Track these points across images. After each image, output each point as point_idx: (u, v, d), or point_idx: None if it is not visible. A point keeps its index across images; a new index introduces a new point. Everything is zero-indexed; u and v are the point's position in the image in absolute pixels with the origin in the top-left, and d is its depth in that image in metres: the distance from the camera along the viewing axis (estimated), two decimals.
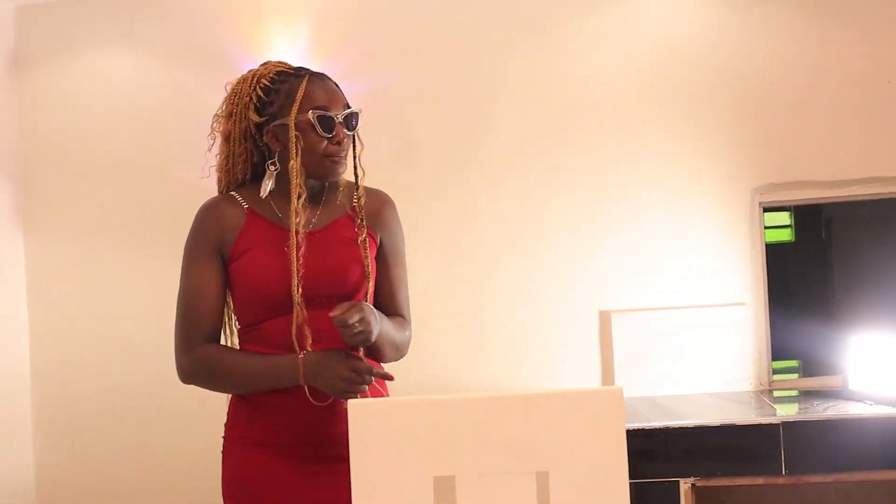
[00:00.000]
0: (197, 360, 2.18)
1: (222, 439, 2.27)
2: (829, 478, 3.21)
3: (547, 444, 1.76)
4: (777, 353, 4.27)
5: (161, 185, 3.94)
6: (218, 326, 2.22)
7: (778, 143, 3.78)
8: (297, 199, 2.13)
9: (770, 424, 3.17)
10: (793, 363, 4.84)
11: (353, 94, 3.67)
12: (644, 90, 3.80)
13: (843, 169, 3.77)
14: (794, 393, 3.74)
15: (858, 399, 3.40)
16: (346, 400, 1.86)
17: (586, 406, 1.81)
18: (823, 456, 3.18)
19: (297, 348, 2.12)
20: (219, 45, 3.83)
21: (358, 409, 1.78)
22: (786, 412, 3.30)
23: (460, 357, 3.80)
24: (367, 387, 2.10)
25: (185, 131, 3.71)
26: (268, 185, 2.18)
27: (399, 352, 2.33)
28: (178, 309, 2.22)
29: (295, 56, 3.67)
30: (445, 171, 3.83)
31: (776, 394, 3.75)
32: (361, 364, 2.10)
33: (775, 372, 3.94)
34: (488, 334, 3.81)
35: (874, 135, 3.75)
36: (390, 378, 2.19)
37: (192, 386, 2.24)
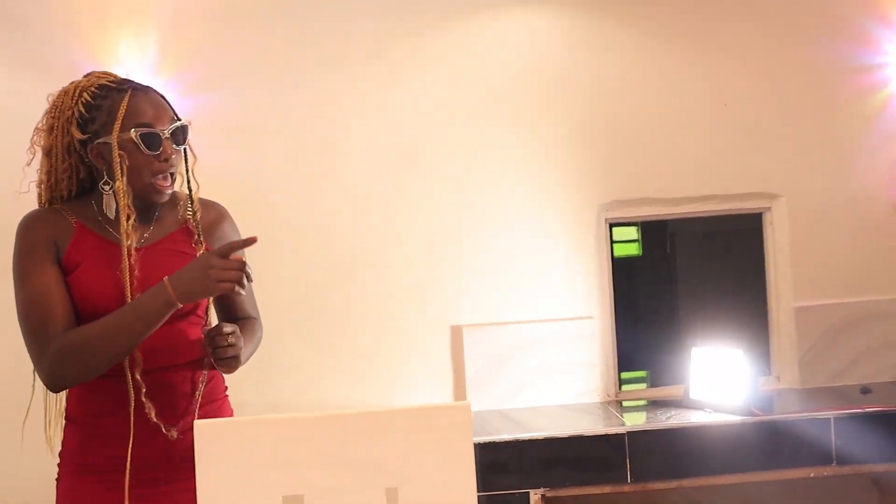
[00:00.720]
0: (57, 347, 2.02)
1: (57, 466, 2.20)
2: (673, 484, 3.33)
3: (396, 460, 1.77)
4: (626, 364, 4.41)
5: None
6: (74, 325, 2.07)
7: (623, 162, 3.89)
8: (126, 221, 2.07)
9: (616, 434, 3.28)
10: (641, 374, 5.00)
11: (204, 107, 3.66)
12: (494, 107, 3.85)
13: (684, 187, 3.92)
14: (642, 403, 3.85)
15: (699, 407, 3.54)
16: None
17: (434, 422, 1.82)
18: (667, 463, 3.31)
19: (129, 371, 2.07)
20: (62, 55, 3.70)
21: (204, 430, 1.75)
22: (631, 422, 3.41)
23: (311, 373, 3.77)
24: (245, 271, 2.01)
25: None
26: (112, 207, 2.11)
27: (252, 356, 2.32)
28: (25, 321, 2.08)
29: (143, 67, 3.59)
30: (298, 184, 3.80)
31: (625, 404, 3.85)
32: (223, 249, 2.02)
33: (624, 383, 4.06)
34: (340, 350, 3.79)
35: (713, 154, 3.91)
36: (253, 240, 2.08)
37: (33, 412, 2.16)
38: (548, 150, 3.87)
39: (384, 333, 3.81)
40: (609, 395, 3.91)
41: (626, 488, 3.29)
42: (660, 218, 4.06)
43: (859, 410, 3.37)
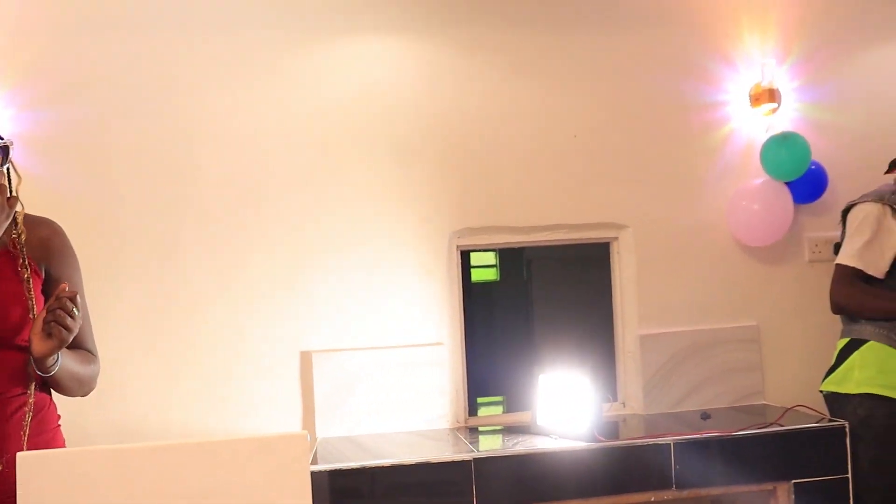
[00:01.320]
0: None
1: None
2: None
3: (231, 491, 1.73)
4: (483, 389, 4.43)
5: None
6: None
7: (475, 190, 3.94)
8: None
9: (463, 461, 3.28)
10: (498, 398, 5.04)
11: (47, 123, 3.54)
12: (347, 133, 3.85)
13: (534, 216, 3.98)
14: (498, 428, 3.88)
15: (545, 434, 3.59)
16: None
17: (270, 451, 1.80)
18: (513, 489, 3.33)
19: None
20: None
21: (27, 463, 1.68)
22: (484, 448, 3.43)
23: (159, 400, 3.67)
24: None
25: None
26: None
27: (84, 386, 2.23)
28: None
29: None
30: (145, 204, 3.71)
31: (481, 429, 3.88)
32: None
33: (481, 407, 4.09)
34: (189, 376, 3.70)
35: (562, 184, 4.00)
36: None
37: None
38: (400, 178, 3.88)
39: (234, 359, 3.74)
40: (459, 422, 3.93)
41: None
42: (511, 246, 4.10)
43: (698, 436, 3.46)
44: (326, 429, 3.73)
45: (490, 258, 8.17)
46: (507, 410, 4.25)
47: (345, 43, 3.86)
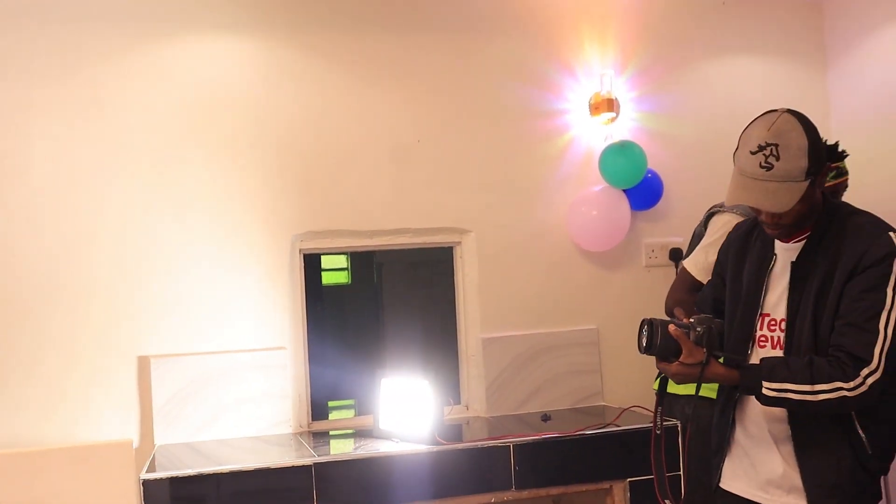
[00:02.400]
0: None
1: None
2: None
3: (55, 501, 1.68)
4: (335, 392, 4.41)
5: None
6: None
7: (319, 193, 3.92)
8: None
9: (303, 466, 3.25)
10: (349, 402, 5.03)
11: None
12: (187, 136, 3.78)
13: (378, 219, 3.99)
14: (349, 432, 3.88)
15: (387, 437, 3.59)
16: None
17: (95, 460, 1.75)
18: (354, 493, 3.32)
19: None
20: None
21: None
22: (322, 453, 3.40)
23: None
24: None
25: None
26: None
27: None
28: None
29: None
30: None
31: (332, 433, 3.87)
32: None
33: (334, 411, 4.05)
34: (24, 384, 3.54)
35: (406, 189, 4.02)
36: None
37: None
38: (241, 180, 3.83)
39: (70, 365, 3.61)
40: (302, 426, 3.89)
41: None
42: (355, 250, 4.09)
43: (537, 437, 3.52)
44: (165, 436, 3.64)
45: (342, 261, 8.17)
46: (360, 413, 4.24)
47: (183, 41, 3.79)
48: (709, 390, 2.92)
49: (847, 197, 4.40)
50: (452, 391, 4.16)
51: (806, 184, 2.44)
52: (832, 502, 2.50)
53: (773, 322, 2.60)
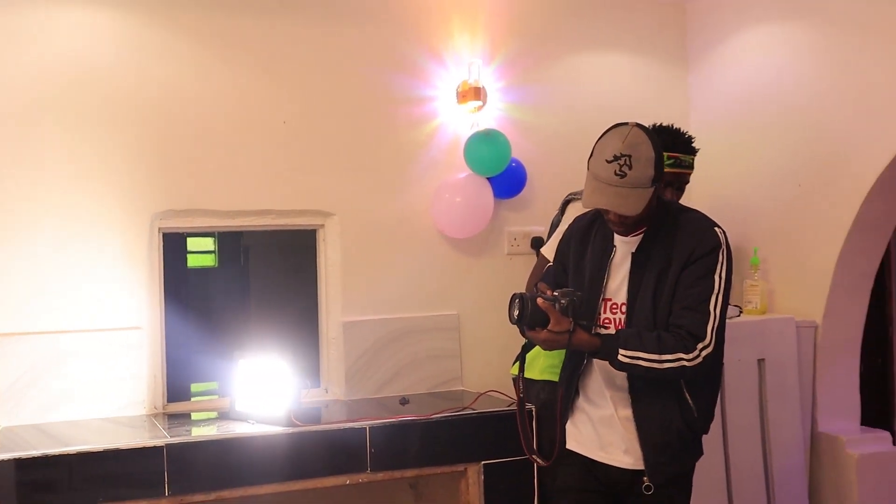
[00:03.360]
0: None
1: None
2: (212, 496, 3.32)
3: None
4: (197, 375, 4.34)
5: None
6: None
7: (180, 172, 3.85)
8: None
9: (154, 448, 3.21)
10: (213, 385, 4.96)
11: None
12: (42, 110, 3.65)
13: (241, 200, 3.95)
14: (212, 415, 3.81)
15: (243, 419, 3.57)
16: None
17: None
18: (207, 475, 3.29)
19: None
20: None
21: None
22: (174, 434, 3.36)
23: None
24: None
25: None
26: None
27: None
28: None
29: None
30: None
31: (194, 416, 3.82)
32: None
33: (196, 394, 4.00)
34: None
35: (270, 170, 3.99)
36: None
37: None
38: (101, 156, 3.73)
39: None
40: (157, 408, 3.83)
41: (164, 502, 3.23)
42: (216, 230, 4.04)
43: (394, 420, 3.56)
44: (11, 417, 3.53)
45: (209, 244, 8.05)
46: (223, 396, 4.18)
47: (42, 12, 3.66)
48: (551, 374, 3.32)
49: (702, 190, 4.60)
50: (313, 374, 4.15)
51: (651, 190, 2.80)
52: (664, 458, 2.87)
53: (614, 305, 2.93)
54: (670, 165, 3.54)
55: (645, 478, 2.87)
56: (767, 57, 4.31)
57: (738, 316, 4.06)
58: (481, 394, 3.88)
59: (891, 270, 5.06)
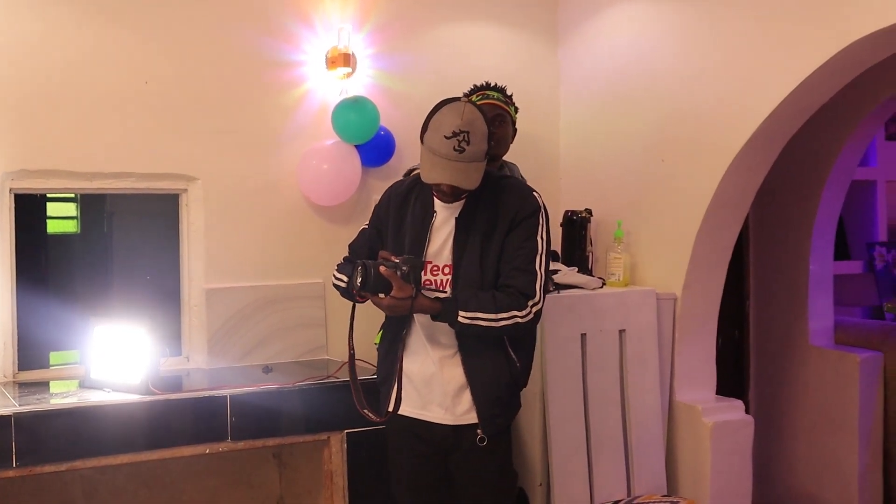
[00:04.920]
0: None
1: None
2: (64, 466, 3.22)
3: None
4: (57, 343, 4.17)
5: None
6: None
7: (34, 131, 3.70)
8: None
9: (1, 417, 3.09)
10: (72, 353, 4.79)
11: None
12: None
13: (100, 161, 3.82)
14: (73, 384, 3.67)
15: (99, 387, 3.46)
16: None
17: None
18: (58, 445, 3.19)
19: None
20: None
21: None
22: (24, 403, 3.24)
23: None
24: None
25: None
26: None
27: None
28: None
29: None
30: None
31: (52, 385, 3.69)
32: None
33: (57, 364, 3.87)
34: None
35: (131, 131, 3.86)
36: None
37: None
38: None
39: None
40: (6, 377, 3.69)
41: (12, 473, 3.12)
42: (72, 192, 3.90)
43: (255, 388, 3.50)
44: None
45: (70, 209, 7.77)
46: (84, 364, 4.04)
47: None
48: (378, 338, 3.40)
49: (569, 163, 4.67)
50: (175, 342, 4.06)
51: (485, 163, 2.97)
52: (496, 410, 3.07)
53: (435, 268, 3.08)
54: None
55: (479, 430, 3.04)
56: (635, 33, 4.38)
57: (602, 287, 4.13)
58: (345, 363, 3.82)
59: (749, 246, 5.24)
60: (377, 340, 3.66)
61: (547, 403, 3.82)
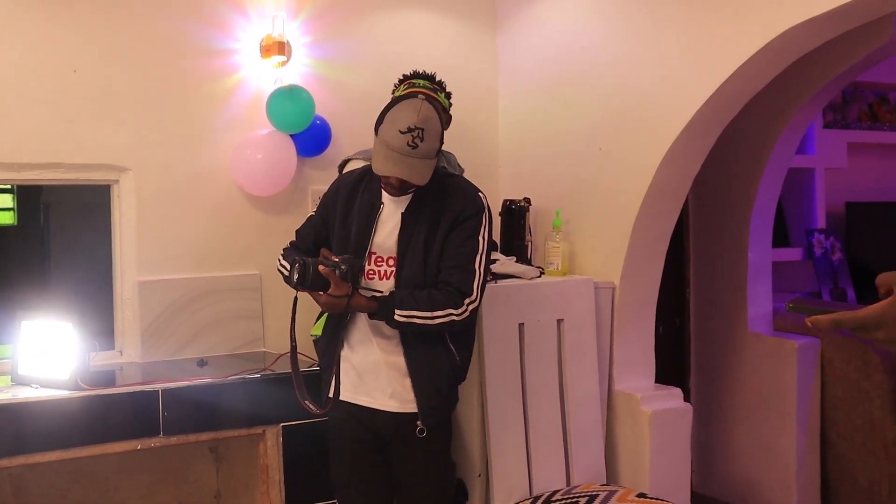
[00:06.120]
0: None
1: None
2: None
3: None
4: None
5: None
6: None
7: None
8: None
9: None
10: (7, 349, 4.69)
11: None
12: None
13: (26, 152, 3.73)
14: (6, 380, 3.53)
15: (27, 383, 3.39)
16: None
17: None
18: None
19: None
20: None
21: None
22: None
23: None
24: None
25: None
26: None
27: None
28: None
29: None
30: None
31: None
32: None
33: None
34: None
35: (59, 121, 3.77)
36: None
37: None
38: None
39: None
40: None
41: None
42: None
43: (188, 382, 3.45)
44: None
45: (7, 200, 7.64)
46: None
47: None
48: (315, 329, 3.51)
49: (508, 151, 4.65)
50: (109, 336, 3.98)
51: (436, 160, 3.05)
52: (436, 402, 3.16)
53: (379, 259, 3.16)
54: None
55: (418, 422, 3.13)
56: (573, 21, 4.36)
57: (540, 277, 4.12)
58: (281, 355, 3.80)
59: (689, 234, 5.26)
60: (315, 332, 3.63)
61: (485, 394, 3.80)
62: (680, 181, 4.08)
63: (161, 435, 3.39)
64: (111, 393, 3.33)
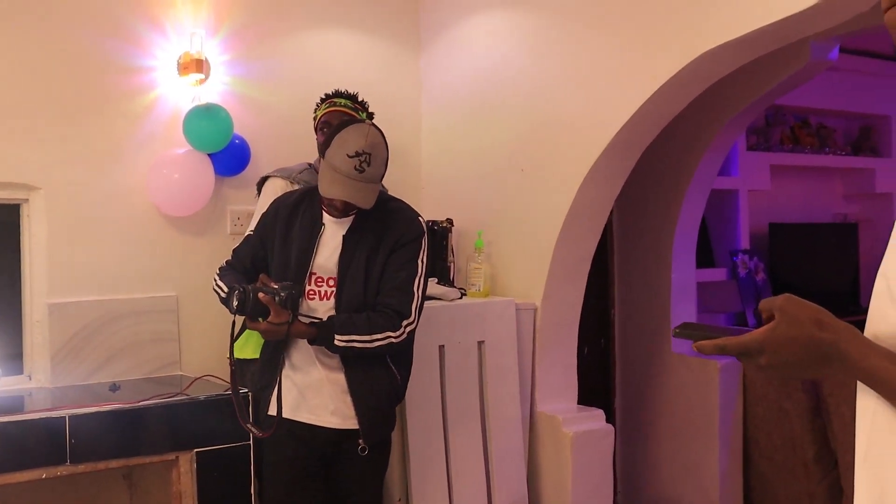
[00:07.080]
0: None
1: None
2: None
3: None
4: None
5: None
6: None
7: None
8: None
9: None
10: None
11: None
12: None
13: None
14: None
15: None
16: None
17: None
18: None
19: None
20: None
21: None
22: None
23: None
24: None
25: None
26: None
27: None
28: None
29: None
30: None
31: None
32: None
33: None
34: None
35: None
36: None
37: None
38: None
39: None
40: None
41: None
42: None
43: (97, 408, 3.35)
44: None
45: None
46: None
47: None
48: (252, 352, 3.52)
49: (430, 172, 4.63)
50: (17, 360, 3.87)
51: (380, 185, 3.13)
52: (377, 420, 3.20)
53: (320, 279, 3.17)
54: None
55: (360, 440, 3.15)
56: (494, 42, 4.36)
57: (461, 298, 4.09)
58: (196, 378, 3.73)
59: (613, 254, 5.28)
60: (242, 354, 3.58)
61: (405, 417, 3.76)
62: (601, 203, 4.09)
63: (68, 463, 3.28)
64: (16, 420, 3.22)
